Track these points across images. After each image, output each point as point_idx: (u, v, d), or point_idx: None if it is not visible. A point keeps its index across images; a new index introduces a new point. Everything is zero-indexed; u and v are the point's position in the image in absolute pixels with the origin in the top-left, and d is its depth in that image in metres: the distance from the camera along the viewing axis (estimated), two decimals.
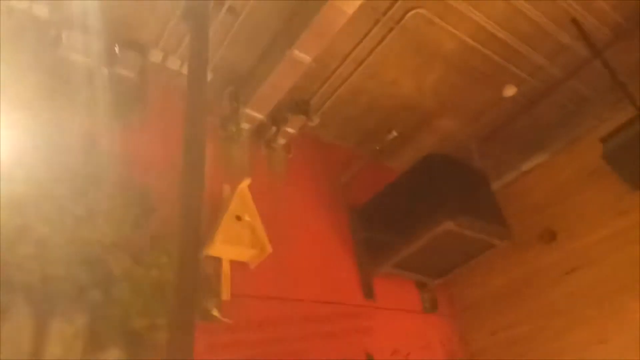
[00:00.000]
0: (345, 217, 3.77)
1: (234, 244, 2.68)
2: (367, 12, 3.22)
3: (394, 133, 3.77)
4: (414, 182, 3.46)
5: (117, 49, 2.90)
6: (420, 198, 3.37)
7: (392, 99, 3.91)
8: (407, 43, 3.49)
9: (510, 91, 3.90)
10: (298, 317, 2.92)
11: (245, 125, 3.45)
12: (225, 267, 2.68)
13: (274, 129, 3.62)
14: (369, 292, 3.48)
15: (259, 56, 3.34)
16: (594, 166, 3.29)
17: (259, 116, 3.43)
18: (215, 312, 2.67)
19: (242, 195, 2.95)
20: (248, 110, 3.37)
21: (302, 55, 3.00)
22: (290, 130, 3.63)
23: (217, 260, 2.77)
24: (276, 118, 3.60)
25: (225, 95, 3.40)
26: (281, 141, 3.66)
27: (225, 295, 2.72)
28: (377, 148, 3.77)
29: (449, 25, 3.39)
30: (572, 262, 3.44)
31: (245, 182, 2.97)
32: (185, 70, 3.14)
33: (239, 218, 2.85)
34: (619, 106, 3.36)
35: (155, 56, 3.18)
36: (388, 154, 4.28)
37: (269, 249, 2.87)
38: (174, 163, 1.60)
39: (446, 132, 4.25)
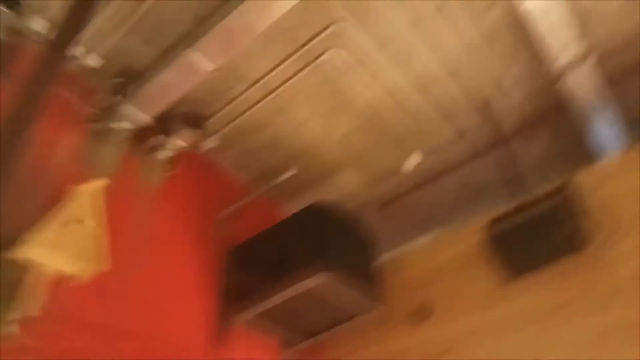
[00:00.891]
0: (218, 255, 3.33)
1: (57, 249, 2.17)
2: (285, 38, 3.00)
3: (293, 171, 3.46)
4: (296, 228, 3.13)
5: None
6: (299, 245, 3.04)
7: (298, 140, 3.65)
8: (322, 84, 3.28)
9: (414, 160, 3.76)
10: (121, 352, 2.40)
11: (126, 125, 3.00)
12: (39, 277, 2.15)
13: (161, 137, 3.20)
14: (220, 341, 3.01)
15: (159, 53, 2.96)
16: (477, 250, 3.13)
17: (144, 117, 3.01)
18: (12, 328, 2.11)
19: (93, 197, 2.47)
20: (132, 108, 2.95)
21: (202, 59, 2.67)
22: (180, 142, 3.22)
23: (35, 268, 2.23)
24: (167, 126, 3.20)
25: (109, 86, 2.96)
26: (167, 153, 3.22)
27: (33, 309, 2.17)
28: (270, 185, 3.43)
29: (367, 75, 3.22)
30: (444, 344, 3.19)
31: (101, 183, 2.50)
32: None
33: (79, 221, 2.35)
34: (516, 196, 3.27)
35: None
36: (284, 196, 3.98)
37: (106, 264, 2.37)
38: None
39: (348, 188, 4.02)
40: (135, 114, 2.98)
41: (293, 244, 3.08)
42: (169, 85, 2.85)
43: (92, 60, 2.92)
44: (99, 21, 2.75)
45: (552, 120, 3.46)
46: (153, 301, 2.70)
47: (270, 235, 3.25)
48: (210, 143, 3.49)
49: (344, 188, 3.99)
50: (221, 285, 3.21)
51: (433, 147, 3.70)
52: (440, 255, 3.53)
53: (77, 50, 2.81)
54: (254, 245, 3.29)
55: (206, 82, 3.05)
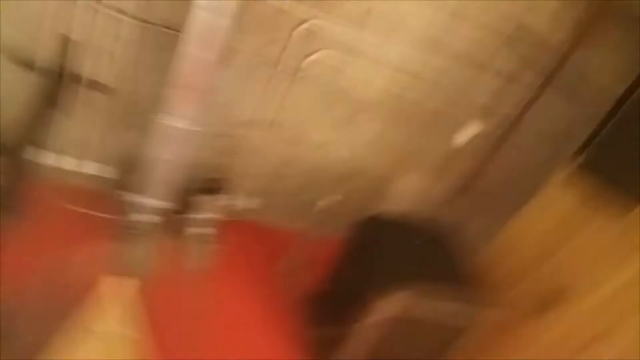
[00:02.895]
0: (293, 312, 2.88)
1: None
2: (256, 68, 2.64)
3: (337, 197, 2.97)
4: (354, 256, 2.61)
5: None
6: (365, 273, 2.50)
7: (329, 164, 3.19)
8: (323, 94, 2.86)
9: (470, 131, 3.13)
10: None
11: (148, 217, 2.75)
12: None
13: (190, 216, 2.92)
14: None
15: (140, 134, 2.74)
16: (581, 200, 2.39)
17: (160, 203, 2.75)
18: None
19: (117, 302, 2.17)
20: (146, 199, 2.70)
21: (175, 118, 2.38)
22: (209, 215, 2.91)
23: None
24: (189, 203, 2.93)
25: (111, 188, 2.77)
26: (202, 230, 2.92)
27: None
28: (317, 215, 2.96)
29: (365, 61, 2.75)
30: (594, 326, 2.40)
31: (120, 283, 2.21)
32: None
33: (113, 330, 2.05)
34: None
35: None
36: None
37: None
38: None
39: (410, 193, 3.43)
40: (152, 204, 2.73)
41: (359, 275, 2.55)
42: (166, 161, 2.57)
43: (90, 169, 2.79)
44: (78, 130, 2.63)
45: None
46: None
47: (335, 271, 2.75)
48: (245, 204, 3.17)
49: (406, 195, 3.42)
50: (304, 342, 2.72)
51: (481, 106, 3.06)
52: (540, 227, 2.78)
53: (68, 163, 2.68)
54: (324, 288, 2.80)
55: (205, 144, 2.78)
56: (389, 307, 2.33)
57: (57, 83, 2.48)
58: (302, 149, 3.06)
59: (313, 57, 2.64)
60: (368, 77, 2.81)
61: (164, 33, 2.47)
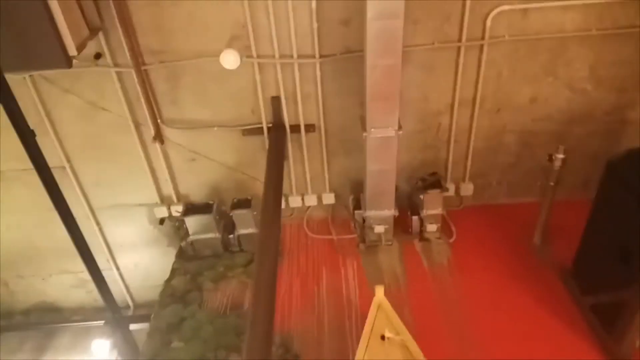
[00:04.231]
0: (557, 285, 2.64)
1: None
2: (439, 52, 2.61)
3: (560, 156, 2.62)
4: (613, 205, 2.27)
5: None
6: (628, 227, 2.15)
7: (547, 119, 2.88)
8: (509, 51, 2.63)
9: None
10: None
11: (379, 228, 2.89)
12: None
13: (415, 218, 2.97)
14: None
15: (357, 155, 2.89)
16: None
17: (387, 213, 2.85)
18: None
19: (381, 308, 2.31)
20: (371, 212, 2.85)
21: (380, 129, 2.46)
22: (437, 211, 2.90)
23: None
24: (414, 203, 2.98)
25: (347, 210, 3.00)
26: (430, 228, 2.94)
27: None
28: (551, 184, 2.66)
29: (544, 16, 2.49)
30: None
31: (379, 291, 2.33)
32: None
33: (382, 337, 2.18)
34: None
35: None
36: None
37: None
38: None
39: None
40: (382, 215, 2.85)
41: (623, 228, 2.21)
42: (383, 171, 2.67)
43: (327, 199, 3.13)
44: None
45: None
46: None
47: (597, 230, 2.42)
48: (465, 189, 3.10)
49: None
50: (585, 314, 2.46)
51: None
52: None
53: None
54: (588, 251, 2.50)
55: (413, 143, 2.83)
56: None
57: (281, 136, 2.84)
58: (511, 115, 2.85)
59: (494, 13, 2.48)
60: (553, 17, 2.51)
61: (344, 59, 2.62)
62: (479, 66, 2.66)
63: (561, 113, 2.85)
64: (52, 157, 2.70)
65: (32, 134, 2.14)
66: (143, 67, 2.60)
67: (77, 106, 2.72)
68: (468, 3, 2.46)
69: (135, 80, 2.60)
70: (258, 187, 2.91)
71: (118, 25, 2.43)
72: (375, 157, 2.61)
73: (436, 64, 2.66)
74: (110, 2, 2.37)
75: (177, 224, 3.10)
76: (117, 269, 3.41)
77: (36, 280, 3.50)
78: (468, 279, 2.74)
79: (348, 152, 2.97)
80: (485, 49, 2.59)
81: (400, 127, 2.49)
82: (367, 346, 2.17)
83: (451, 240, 2.96)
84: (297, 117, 2.81)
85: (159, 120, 2.80)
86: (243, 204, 2.93)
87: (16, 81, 2.45)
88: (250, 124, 2.83)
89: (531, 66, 2.68)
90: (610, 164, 2.30)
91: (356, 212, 2.95)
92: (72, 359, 3.46)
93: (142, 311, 3.41)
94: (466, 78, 2.70)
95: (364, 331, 2.22)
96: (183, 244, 3.01)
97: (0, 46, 2.11)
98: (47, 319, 3.62)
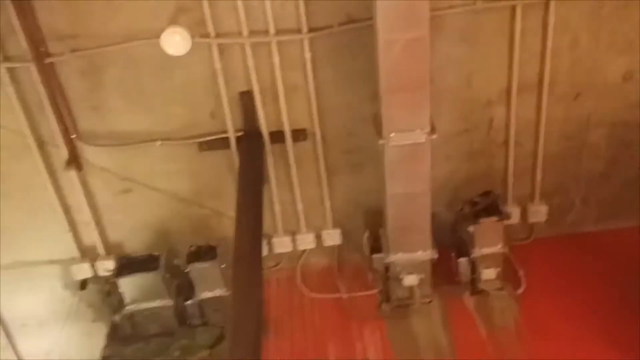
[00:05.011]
0: None
1: None
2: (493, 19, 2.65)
3: None
4: None
5: None
6: None
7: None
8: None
9: None
10: None
11: (409, 280, 2.91)
12: None
13: (463, 260, 3.00)
14: None
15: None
16: None
17: (424, 255, 2.88)
18: None
19: None
20: (404, 257, 2.88)
21: (403, 133, 2.48)
22: (487, 250, 2.92)
23: None
24: (460, 239, 3.02)
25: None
26: (486, 274, 2.98)
27: None
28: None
29: None
30: None
31: None
32: None
33: None
34: None
35: None
36: None
37: None
38: None
39: None
40: (415, 258, 2.87)
41: None
42: (412, 194, 2.69)
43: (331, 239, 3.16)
44: None
45: None
46: None
47: None
48: (534, 212, 3.14)
49: None
50: None
51: None
52: None
53: None
54: None
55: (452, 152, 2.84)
56: None
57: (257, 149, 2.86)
58: (597, 101, 2.88)
59: None
60: None
61: (345, 33, 2.63)
62: (544, 32, 2.69)
63: None
64: None
65: None
66: (47, 60, 2.60)
67: None
68: None
69: (36, 78, 2.60)
70: (226, 226, 2.94)
71: None
72: (399, 175, 2.63)
73: (481, 33, 2.70)
74: None
75: (106, 288, 3.11)
76: None
77: None
78: (545, 348, 2.77)
79: (356, 167, 3.00)
80: (552, 5, 2.61)
81: (433, 129, 2.50)
82: None
83: (519, 292, 3.01)
84: (279, 121, 2.85)
85: (73, 136, 2.81)
86: (205, 253, 2.94)
87: None
88: (209, 134, 2.86)
89: (623, 28, 2.72)
90: None
91: (375, 256, 2.99)
92: None
93: None
94: (527, 51, 2.73)
95: None
96: (117, 317, 3.01)
97: None
98: None
